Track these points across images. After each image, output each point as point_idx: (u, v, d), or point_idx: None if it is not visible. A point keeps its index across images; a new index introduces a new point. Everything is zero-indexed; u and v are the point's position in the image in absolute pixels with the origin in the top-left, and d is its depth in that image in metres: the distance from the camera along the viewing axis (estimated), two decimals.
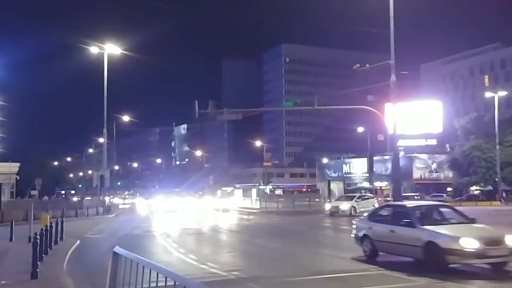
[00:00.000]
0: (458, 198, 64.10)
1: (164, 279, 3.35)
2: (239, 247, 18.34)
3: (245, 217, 38.81)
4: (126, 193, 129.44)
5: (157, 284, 3.60)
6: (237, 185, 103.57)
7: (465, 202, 58.94)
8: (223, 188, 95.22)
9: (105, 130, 46.41)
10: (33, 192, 50.31)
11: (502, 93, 65.43)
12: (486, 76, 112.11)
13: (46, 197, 51.21)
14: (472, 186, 68.79)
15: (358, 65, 34.68)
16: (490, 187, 65.50)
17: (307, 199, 61.20)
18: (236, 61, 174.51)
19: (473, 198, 62.76)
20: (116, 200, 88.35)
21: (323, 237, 22.56)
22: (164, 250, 17.36)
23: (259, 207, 53.43)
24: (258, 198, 68.75)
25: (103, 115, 44.83)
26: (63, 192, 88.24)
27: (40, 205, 34.89)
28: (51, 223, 17.47)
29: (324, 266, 12.61)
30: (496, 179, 60.76)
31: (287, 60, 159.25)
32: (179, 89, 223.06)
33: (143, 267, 3.74)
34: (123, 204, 75.51)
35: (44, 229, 14.47)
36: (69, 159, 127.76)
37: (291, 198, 63.10)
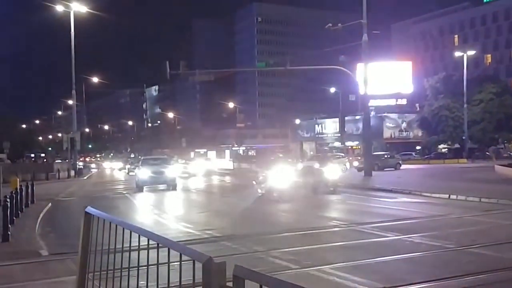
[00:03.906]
0: (426, 156, 65.70)
1: (137, 238, 3.36)
2: (213, 206, 18.50)
3: (220, 178, 39.03)
4: (98, 156, 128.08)
5: (130, 243, 3.61)
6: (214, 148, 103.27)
7: (433, 160, 60.53)
8: (196, 150, 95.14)
9: (73, 91, 45.39)
10: (1, 156, 49.26)
11: (471, 53, 66.28)
12: (456, 36, 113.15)
13: (8, 161, 49.22)
14: (440, 144, 70.47)
15: (331, 25, 34.50)
16: (457, 145, 67.24)
17: None
18: (207, 20, 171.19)
19: (440, 156, 64.41)
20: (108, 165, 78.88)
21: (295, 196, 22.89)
22: (138, 211, 17.39)
23: (232, 168, 53.77)
24: (231, 159, 69.01)
25: (72, 76, 43.74)
26: (32, 155, 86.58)
27: (8, 168, 34.28)
28: (21, 186, 17.23)
29: (296, 223, 12.86)
30: (463, 138, 62.35)
31: (259, 19, 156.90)
32: (149, 50, 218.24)
33: (116, 226, 3.73)
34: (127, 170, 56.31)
35: (14, 192, 14.28)
36: (37, 121, 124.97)
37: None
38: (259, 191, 19.78)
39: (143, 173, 25.64)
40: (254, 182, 20.95)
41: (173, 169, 27.12)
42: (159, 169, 25.66)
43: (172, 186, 25.41)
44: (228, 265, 2.30)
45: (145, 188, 25.71)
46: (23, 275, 7.85)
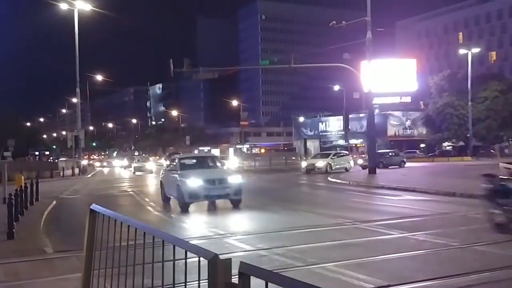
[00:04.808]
0: (431, 154, 65.60)
1: (142, 236, 3.36)
2: (217, 204, 18.47)
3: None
4: (103, 153, 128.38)
5: (135, 241, 3.61)
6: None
7: (438, 158, 60.44)
8: (200, 148, 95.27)
9: (78, 89, 45.53)
10: (6, 154, 49.44)
11: (476, 50, 66.07)
12: (460, 33, 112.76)
13: (11, 159, 48.81)
14: (444, 142, 70.35)
15: (335, 22, 34.39)
16: (462, 143, 67.10)
17: (284, 158, 61.83)
18: (211, 18, 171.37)
19: (445, 154, 64.31)
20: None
21: (299, 194, 22.92)
22: (142, 209, 17.42)
23: (236, 166, 53.74)
24: (235, 156, 69.04)
25: (76, 74, 43.84)
26: (37, 153, 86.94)
27: (13, 166, 34.42)
28: (25, 184, 17.29)
29: (300, 221, 12.84)
30: (468, 135, 62.20)
31: (263, 17, 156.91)
32: (153, 48, 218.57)
33: (121, 223, 3.73)
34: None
35: (18, 189, 14.33)
36: (41, 119, 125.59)
37: (268, 156, 63.55)
38: None
39: (193, 182, 15.64)
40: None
41: (236, 174, 17.67)
42: (217, 175, 16.44)
43: (236, 200, 16.20)
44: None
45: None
46: (28, 272, 7.87)
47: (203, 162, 18.40)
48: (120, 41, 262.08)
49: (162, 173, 19.98)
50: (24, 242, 10.49)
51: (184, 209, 15.69)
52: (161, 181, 19.07)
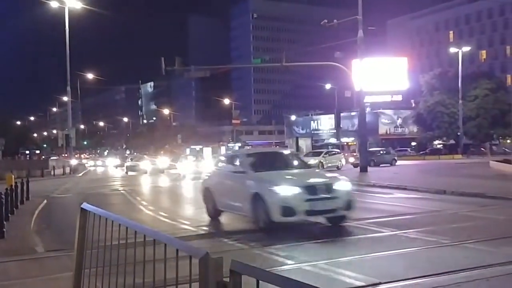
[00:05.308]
0: (422, 152, 65.96)
1: (134, 234, 3.35)
2: None
3: None
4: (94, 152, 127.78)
5: (127, 240, 3.60)
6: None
7: (429, 156, 60.78)
8: (192, 146, 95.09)
9: (68, 88, 45.25)
10: None
11: (466, 49, 66.51)
12: (451, 32, 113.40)
13: (0, 158, 48.15)
14: (435, 140, 70.76)
15: (326, 21, 34.47)
16: (452, 141, 67.54)
17: None
18: (203, 16, 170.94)
19: (436, 152, 64.69)
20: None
21: None
22: (134, 208, 17.36)
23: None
24: None
25: (66, 72, 43.59)
26: (27, 152, 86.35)
27: (3, 165, 34.20)
28: (16, 183, 17.17)
29: None
30: (459, 133, 62.61)
31: (255, 15, 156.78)
32: (145, 46, 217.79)
33: (112, 222, 3.72)
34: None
35: (9, 188, 14.24)
36: (32, 118, 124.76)
37: None
38: None
39: (286, 189, 10.30)
40: None
41: (342, 178, 11.52)
42: (318, 180, 11.18)
43: (341, 217, 10.98)
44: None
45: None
46: (18, 272, 7.82)
47: (282, 161, 12.77)
48: (112, 39, 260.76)
49: (208, 176, 14.36)
50: (15, 241, 10.42)
51: (269, 231, 10.28)
52: (206, 188, 13.27)
